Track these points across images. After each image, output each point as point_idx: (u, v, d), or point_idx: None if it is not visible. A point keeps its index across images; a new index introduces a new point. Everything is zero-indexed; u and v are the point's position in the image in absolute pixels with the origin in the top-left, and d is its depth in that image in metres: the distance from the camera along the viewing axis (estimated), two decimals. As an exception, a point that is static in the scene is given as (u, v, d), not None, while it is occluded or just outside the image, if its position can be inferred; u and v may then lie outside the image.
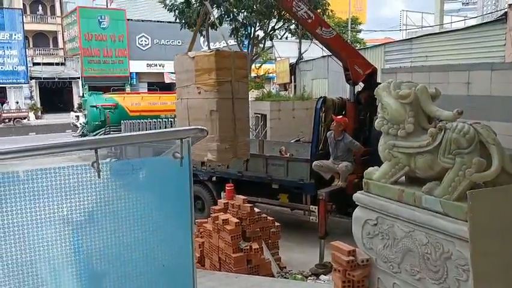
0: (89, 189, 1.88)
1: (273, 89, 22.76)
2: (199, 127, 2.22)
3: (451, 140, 2.50)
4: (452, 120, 2.61)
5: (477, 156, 2.43)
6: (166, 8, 16.02)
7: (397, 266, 2.81)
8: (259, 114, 15.83)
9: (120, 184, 1.96)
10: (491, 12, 14.52)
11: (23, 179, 1.75)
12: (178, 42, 28.94)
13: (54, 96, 34.66)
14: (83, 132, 17.98)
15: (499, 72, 9.14)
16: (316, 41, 8.34)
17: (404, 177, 2.93)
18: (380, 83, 3.31)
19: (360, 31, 29.98)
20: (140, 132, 2.50)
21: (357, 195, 3.16)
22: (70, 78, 33.82)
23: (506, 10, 10.21)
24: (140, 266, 2.03)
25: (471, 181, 2.45)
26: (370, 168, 3.13)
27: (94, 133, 16.14)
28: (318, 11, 15.88)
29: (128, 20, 32.48)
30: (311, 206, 7.57)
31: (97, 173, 1.87)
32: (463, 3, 34.89)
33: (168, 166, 2.11)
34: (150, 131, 2.38)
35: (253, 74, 18.78)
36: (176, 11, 15.50)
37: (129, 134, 2.42)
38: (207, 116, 5.25)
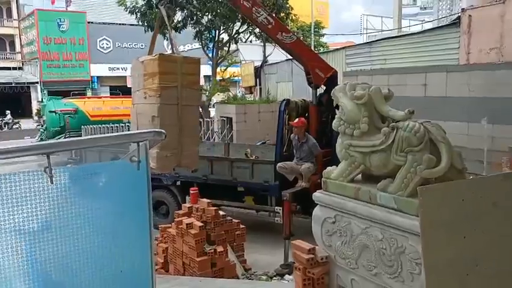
0: (42, 196, 1.83)
1: (239, 92, 22.81)
2: (157, 130, 2.21)
3: (402, 138, 2.59)
4: (404, 120, 2.71)
5: (427, 154, 2.53)
6: (127, 11, 15.75)
7: (354, 262, 2.88)
8: (225, 117, 15.83)
9: (75, 190, 1.92)
10: (446, 16, 15.12)
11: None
12: (141, 45, 28.46)
13: (12, 101, 33.31)
14: (41, 138, 17.37)
15: (454, 74, 9.55)
16: (279, 45, 8.41)
17: (360, 175, 3.02)
18: (340, 86, 3.39)
19: (323, 35, 30.50)
20: (95, 136, 2.44)
21: (317, 194, 3.22)
22: (28, 83, 32.61)
23: (459, 14, 10.68)
24: (98, 273, 1.99)
25: (422, 177, 2.55)
26: (328, 168, 3.21)
27: (53, 139, 15.65)
28: (282, 15, 16.05)
29: (88, 22, 31.70)
30: (276, 207, 7.63)
31: (49, 179, 1.82)
32: (420, 8, 36.09)
33: (125, 170, 2.08)
34: (105, 135, 2.33)
35: (218, 77, 18.74)
36: (138, 14, 15.26)
37: (83, 138, 2.37)
38: (150, 121, 5.06)
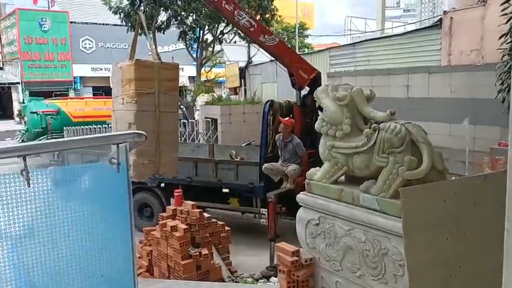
0: (19, 200, 1.79)
1: (224, 93, 22.74)
2: (137, 132, 2.17)
3: (384, 139, 2.60)
4: (386, 121, 2.72)
5: (408, 155, 2.54)
6: (111, 11, 15.57)
7: (339, 263, 2.88)
8: (209, 118, 15.76)
9: (53, 192, 1.88)
10: (428, 18, 15.33)
11: None
12: (124, 45, 28.16)
13: (-8, 102, 32.74)
14: (23, 140, 17.03)
15: (436, 75, 9.67)
16: (262, 47, 8.38)
17: (343, 176, 3.02)
18: (323, 87, 3.38)
19: (307, 36, 30.62)
20: (74, 138, 2.39)
21: (300, 196, 3.21)
22: (8, 83, 31.96)
23: (441, 16, 10.82)
24: (78, 277, 1.95)
25: (404, 179, 2.56)
26: (312, 169, 3.20)
27: (35, 141, 15.37)
28: (267, 16, 16.07)
29: (71, 22, 31.27)
30: (261, 209, 7.61)
31: (26, 182, 1.78)
32: (404, 10, 36.48)
33: (104, 172, 2.05)
34: (84, 136, 2.29)
35: (203, 78, 18.65)
36: (122, 14, 15.09)
37: (61, 140, 2.32)
38: (127, 128, 4.98)
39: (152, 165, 5.24)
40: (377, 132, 2.64)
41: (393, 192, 2.57)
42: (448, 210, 2.51)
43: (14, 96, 32.43)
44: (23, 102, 23.64)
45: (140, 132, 2.17)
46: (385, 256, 2.58)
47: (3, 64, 34.54)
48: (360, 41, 13.82)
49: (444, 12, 10.71)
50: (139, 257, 6.34)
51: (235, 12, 7.36)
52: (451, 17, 10.23)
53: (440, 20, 10.67)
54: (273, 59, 15.05)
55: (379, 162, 2.63)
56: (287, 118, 7.47)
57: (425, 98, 9.64)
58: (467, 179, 3.27)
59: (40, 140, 14.93)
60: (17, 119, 25.76)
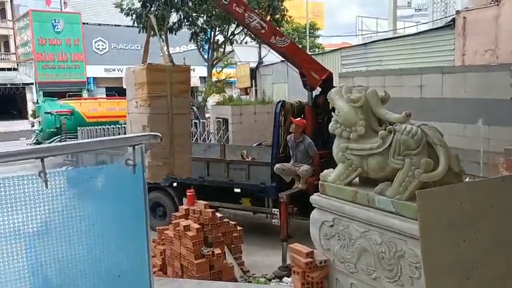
0: (36, 200, 1.81)
1: (234, 93, 22.80)
2: (152, 133, 2.19)
3: (400, 141, 2.58)
4: (401, 122, 2.70)
5: (425, 157, 2.51)
6: (122, 13, 15.71)
7: (354, 265, 2.86)
8: (220, 118, 15.81)
9: (70, 194, 1.91)
10: (441, 18, 15.17)
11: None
12: (137, 46, 28.40)
13: (7, 103, 33.23)
14: (37, 140, 17.26)
15: (449, 75, 9.57)
16: (272, 48, 8.37)
17: (358, 178, 3.00)
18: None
19: (318, 36, 30.54)
20: (90, 140, 2.42)
21: (314, 197, 3.20)
22: (23, 84, 32.48)
23: (454, 16, 10.71)
24: (94, 277, 1.97)
25: (420, 181, 2.53)
26: (325, 171, 3.19)
27: (49, 141, 15.56)
28: (277, 16, 16.07)
29: (83, 23, 31.65)
30: (273, 209, 7.61)
31: (44, 183, 1.81)
32: (415, 10, 36.15)
33: (121, 174, 2.07)
34: (100, 138, 2.32)
35: (214, 79, 18.72)
36: (134, 15, 15.22)
37: (78, 141, 2.36)
38: (141, 131, 5.06)
39: (167, 167, 5.31)
40: (392, 134, 2.62)
41: (410, 195, 2.54)
42: (464, 213, 2.48)
43: (28, 96, 32.93)
44: (37, 103, 23.97)
45: (155, 134, 2.19)
46: (401, 258, 2.56)
47: (17, 65, 35.07)
48: (372, 41, 13.75)
49: (457, 12, 10.61)
50: (153, 256, 6.39)
51: (246, 14, 7.38)
52: (464, 17, 10.12)
53: (453, 19, 10.57)
54: (283, 59, 15.02)
55: (395, 164, 2.61)
56: (298, 118, 7.46)
57: (438, 98, 9.54)
58: (484, 181, 3.24)
59: (54, 140, 15.13)
60: (31, 119, 26.12)
